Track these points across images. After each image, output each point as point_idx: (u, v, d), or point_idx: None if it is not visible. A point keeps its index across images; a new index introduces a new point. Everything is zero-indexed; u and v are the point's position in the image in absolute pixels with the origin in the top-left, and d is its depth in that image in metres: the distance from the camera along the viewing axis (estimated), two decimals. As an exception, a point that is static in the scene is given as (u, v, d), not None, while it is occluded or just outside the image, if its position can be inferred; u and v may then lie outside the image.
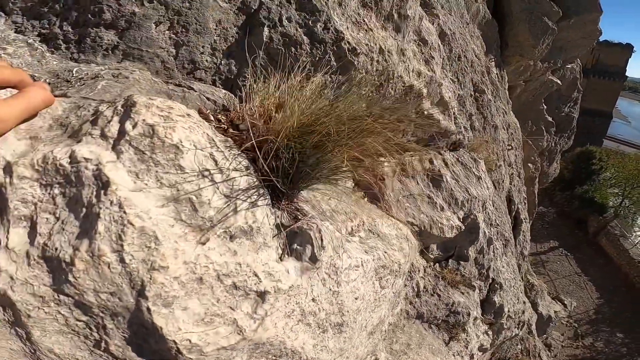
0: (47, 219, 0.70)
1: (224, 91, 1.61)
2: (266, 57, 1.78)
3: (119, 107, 0.83)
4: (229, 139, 0.95)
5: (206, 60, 1.68)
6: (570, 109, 10.87)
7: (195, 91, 1.43)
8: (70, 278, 0.67)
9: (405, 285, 3.07)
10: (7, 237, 0.68)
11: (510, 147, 5.95)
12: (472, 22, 5.43)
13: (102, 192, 0.70)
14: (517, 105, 7.69)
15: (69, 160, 0.73)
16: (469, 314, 3.77)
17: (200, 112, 1.11)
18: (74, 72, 1.19)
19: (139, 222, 0.70)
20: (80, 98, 0.94)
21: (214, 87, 1.65)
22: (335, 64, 1.95)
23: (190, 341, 0.72)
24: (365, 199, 1.94)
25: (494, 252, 4.31)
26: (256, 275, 0.80)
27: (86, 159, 0.73)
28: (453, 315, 3.64)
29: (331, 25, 1.93)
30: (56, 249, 0.68)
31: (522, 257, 7.13)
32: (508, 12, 6.60)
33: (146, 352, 0.74)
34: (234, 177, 0.83)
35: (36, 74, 1.17)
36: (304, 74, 1.57)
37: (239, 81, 1.76)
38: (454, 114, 3.39)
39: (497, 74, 6.15)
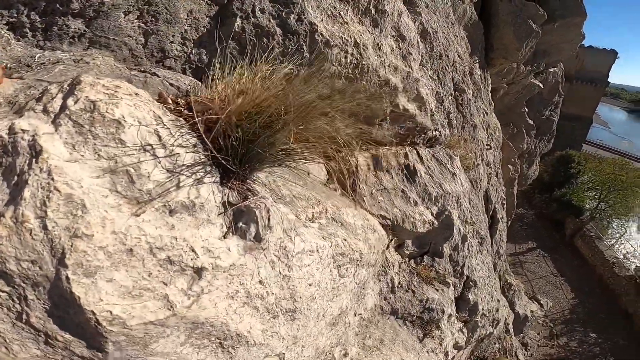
0: None
1: (190, 78, 1.61)
2: (238, 47, 1.78)
3: (65, 86, 0.82)
4: (182, 119, 0.93)
5: (176, 49, 1.68)
6: (551, 113, 11.10)
7: (159, 77, 1.43)
8: None
9: (380, 280, 3.07)
10: None
11: (489, 147, 6.04)
12: (458, 23, 5.48)
13: (34, 160, 0.69)
14: (499, 107, 7.81)
15: (7, 132, 0.72)
16: (443, 311, 3.81)
17: (160, 96, 1.09)
18: (36, 57, 1.20)
19: (66, 190, 0.69)
20: (34, 80, 0.94)
21: (180, 74, 1.64)
22: (308, 55, 1.95)
23: (111, 313, 0.69)
24: (338, 191, 1.94)
25: (469, 249, 4.35)
26: (193, 250, 0.78)
27: (23, 130, 0.72)
28: (427, 312, 3.67)
29: (305, 17, 1.93)
30: None
31: (498, 256, 7.25)
32: (494, 14, 6.69)
33: (68, 324, 0.71)
34: (179, 153, 0.82)
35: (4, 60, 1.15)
36: (273, 64, 1.57)
37: (209, 70, 1.79)
38: (430, 110, 3.41)
39: (480, 75, 6.23)
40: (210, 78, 1.53)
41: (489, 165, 6.18)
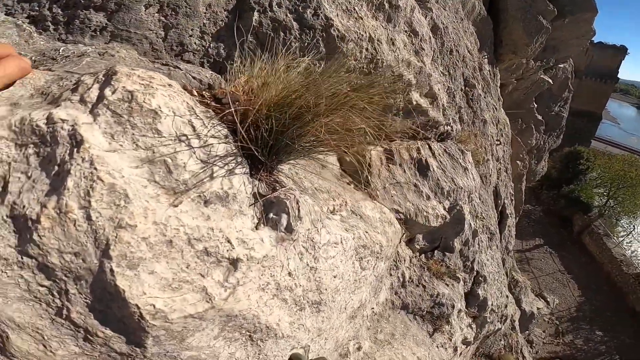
0: (19, 177, 0.69)
1: (210, 72, 1.65)
2: (255, 41, 1.78)
3: (100, 76, 0.83)
4: (211, 110, 0.94)
5: (195, 43, 1.69)
6: (560, 109, 11.00)
7: (182, 70, 1.45)
8: (35, 237, 0.65)
9: (391, 274, 3.08)
10: None
11: (498, 142, 6.01)
12: (467, 19, 5.44)
13: (75, 150, 0.69)
14: (508, 103, 7.75)
15: (45, 122, 0.72)
16: (453, 306, 3.81)
17: (184, 89, 1.09)
18: (60, 50, 1.20)
19: (109, 179, 0.69)
20: (64, 72, 0.95)
21: (201, 67, 1.64)
22: (324, 49, 1.95)
23: (154, 306, 0.70)
24: (352, 185, 1.94)
25: (479, 244, 4.34)
26: (229, 241, 0.79)
27: (62, 120, 0.72)
28: (437, 307, 3.67)
29: (321, 12, 1.93)
30: (24, 206, 0.67)
31: (506, 252, 7.23)
32: (503, 10, 6.62)
33: (110, 319, 0.72)
34: (212, 144, 0.82)
35: (22, 52, 1.17)
36: (291, 58, 1.58)
37: (227, 64, 1.77)
38: (442, 105, 3.40)
39: (489, 70, 6.19)
40: (232, 71, 1.54)
41: (499, 160, 6.15)
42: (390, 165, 2.50)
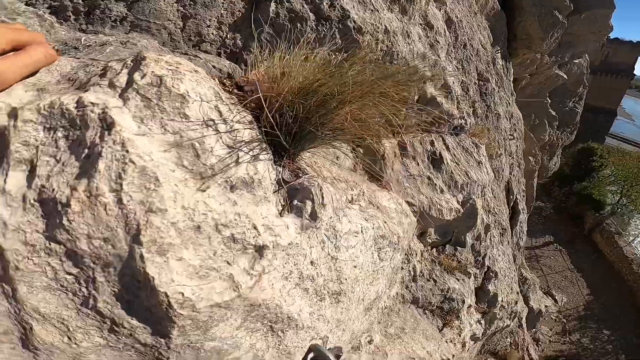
0: (47, 161, 0.69)
1: (229, 62, 1.61)
2: (272, 31, 1.78)
3: (129, 62, 0.83)
4: (234, 97, 0.94)
5: (212, 34, 1.70)
6: (574, 105, 10.81)
7: (201, 59, 1.44)
8: (65, 222, 0.65)
9: (402, 268, 3.07)
10: (4, 181, 0.66)
11: (512, 137, 5.93)
12: (480, 13, 5.37)
13: (107, 132, 0.69)
14: (521, 98, 7.63)
15: (75, 105, 0.72)
16: (463, 301, 3.79)
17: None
18: (82, 40, 1.21)
19: (140, 162, 0.69)
20: (89, 59, 0.95)
21: (219, 57, 1.65)
22: (340, 41, 1.94)
23: (183, 294, 0.70)
24: (366, 177, 1.94)
25: (490, 239, 4.31)
26: (255, 228, 0.78)
27: (93, 104, 0.72)
28: (448, 302, 3.66)
29: (337, 3, 1.92)
30: (53, 190, 0.67)
31: (517, 248, 7.17)
32: (518, 4, 6.51)
33: (136, 309, 0.72)
34: (238, 129, 0.82)
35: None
36: (309, 48, 1.57)
37: (244, 54, 1.77)
38: (457, 98, 3.37)
39: (502, 65, 6.11)
40: (250, 61, 1.53)
41: (512, 155, 6.08)
42: (403, 158, 2.48)
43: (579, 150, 20.94)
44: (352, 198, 1.15)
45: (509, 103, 6.13)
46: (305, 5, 1.85)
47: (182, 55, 1.45)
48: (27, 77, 0.78)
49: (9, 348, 0.66)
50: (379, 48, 2.23)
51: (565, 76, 8.81)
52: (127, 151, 0.67)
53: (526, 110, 8.23)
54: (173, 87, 0.78)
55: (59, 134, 0.71)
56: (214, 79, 1.01)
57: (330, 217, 0.93)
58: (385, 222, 1.21)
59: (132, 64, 0.81)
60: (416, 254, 3.15)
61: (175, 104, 0.77)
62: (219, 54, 1.76)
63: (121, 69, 0.80)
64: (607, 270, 17.61)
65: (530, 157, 9.22)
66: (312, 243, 0.89)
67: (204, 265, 0.73)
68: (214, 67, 1.41)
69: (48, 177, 0.67)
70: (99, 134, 0.68)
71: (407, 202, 2.37)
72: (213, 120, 0.78)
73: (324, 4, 1.90)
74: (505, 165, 5.54)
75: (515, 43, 6.71)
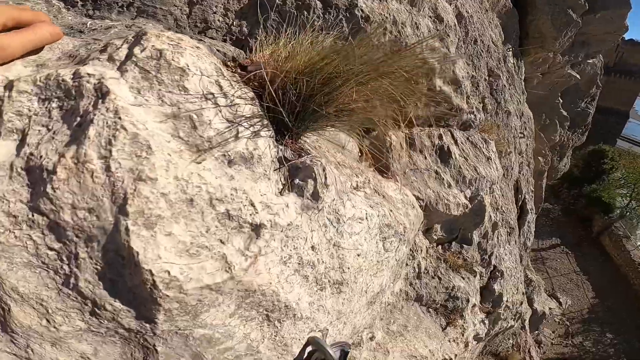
0: (39, 130, 0.67)
1: (233, 47, 1.62)
2: (278, 18, 1.75)
3: (130, 38, 0.81)
4: (237, 75, 0.90)
5: (218, 20, 1.67)
6: (586, 105, 10.64)
7: (206, 43, 1.43)
8: (49, 190, 0.62)
9: (407, 264, 3.02)
10: None
11: (522, 135, 5.85)
12: (492, 10, 5.30)
13: (100, 100, 0.67)
14: (532, 97, 7.51)
15: (72, 77, 0.70)
16: (467, 300, 3.74)
17: None
18: (88, 24, 1.21)
19: (132, 129, 0.66)
20: (92, 39, 0.95)
21: (224, 42, 1.63)
22: (347, 30, 1.91)
23: (169, 273, 0.65)
24: (372, 168, 1.89)
25: (497, 238, 4.24)
26: (253, 205, 0.74)
27: (89, 75, 0.71)
28: (452, 300, 3.61)
29: None
30: (41, 157, 0.64)
31: (524, 248, 7.09)
32: (530, 2, 6.39)
33: (120, 289, 0.68)
34: (239, 104, 0.79)
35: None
36: (314, 35, 1.54)
37: (250, 41, 1.76)
38: (466, 93, 3.31)
39: (514, 63, 6.02)
40: (256, 45, 1.51)
41: (521, 154, 5.99)
42: (410, 151, 2.43)
43: (590, 152, 20.66)
44: (357, 185, 1.10)
45: (520, 101, 6.03)
46: None
47: (186, 37, 1.42)
48: (30, 53, 0.78)
49: (-14, 331, 0.62)
50: (386, 38, 2.18)
51: (578, 76, 8.65)
52: (120, 118, 0.64)
53: (537, 110, 8.11)
54: (173, 60, 0.76)
55: (53, 104, 0.69)
56: (222, 65, 0.97)
57: (334, 200, 0.88)
58: (391, 211, 1.16)
59: (133, 39, 0.79)
60: (421, 251, 3.10)
61: (175, 76, 0.75)
62: (224, 41, 1.76)
63: (122, 44, 0.79)
64: (613, 274, 17.43)
65: (539, 158, 9.08)
66: (314, 226, 0.84)
67: (195, 242, 0.68)
68: (218, 50, 1.38)
69: (37, 145, 0.65)
70: (92, 103, 0.66)
71: (414, 196, 2.32)
72: (213, 94, 0.75)
73: None
74: (514, 164, 5.46)
75: (528, 41, 6.57)
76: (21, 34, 0.77)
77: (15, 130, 0.66)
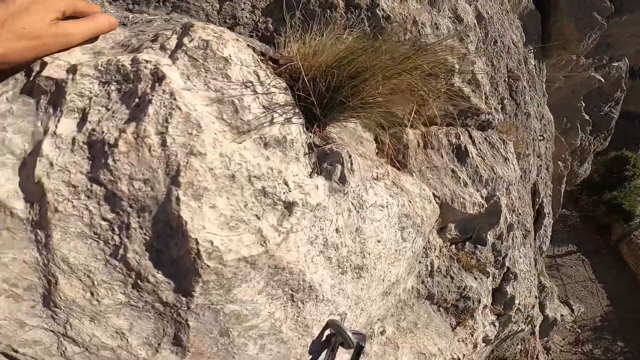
0: (99, 110, 0.75)
1: (261, 42, 1.69)
2: (302, 17, 1.84)
3: (178, 29, 0.90)
4: (270, 68, 0.97)
5: (246, 17, 1.76)
6: (610, 110, 10.39)
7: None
8: (110, 161, 0.70)
9: (420, 262, 3.06)
10: (56, 126, 0.72)
11: (541, 138, 5.79)
12: (513, 11, 5.27)
13: (157, 84, 0.76)
14: (553, 100, 7.40)
15: (130, 62, 0.79)
16: (479, 301, 3.75)
17: None
18: (130, 17, 1.30)
19: (185, 109, 0.75)
20: (138, 30, 1.04)
21: (252, 38, 1.73)
22: (368, 29, 2.00)
23: (212, 243, 0.72)
24: (390, 163, 1.94)
25: (513, 240, 4.23)
26: (286, 183, 0.81)
27: (146, 61, 0.80)
28: (463, 300, 3.62)
29: None
30: (102, 132, 0.73)
31: (539, 253, 7.02)
32: (553, 3, 6.28)
33: (164, 261, 0.74)
34: (274, 92, 0.88)
35: None
36: (338, 33, 1.60)
37: (276, 38, 1.82)
38: (485, 93, 3.34)
39: (535, 65, 5.96)
40: (282, 41, 1.57)
41: (540, 157, 5.93)
42: (427, 149, 2.47)
43: (612, 158, 20.13)
44: (377, 176, 1.16)
45: (540, 103, 5.97)
46: None
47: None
48: (87, 41, 0.86)
49: (28, 307, 0.68)
50: (406, 37, 2.23)
51: (602, 79, 8.48)
52: (175, 99, 0.74)
53: (558, 113, 7.98)
54: (217, 50, 0.85)
55: (112, 87, 0.78)
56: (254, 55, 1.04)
57: (358, 185, 0.94)
58: (410, 202, 1.21)
59: (181, 30, 0.88)
60: (435, 249, 3.13)
61: (219, 65, 0.84)
62: (251, 37, 1.84)
63: (171, 35, 0.88)
64: (630, 283, 17.03)
65: (559, 162, 8.94)
66: (339, 210, 0.90)
67: (235, 216, 0.75)
68: (248, 45, 1.45)
69: (98, 122, 0.74)
70: (149, 86, 0.75)
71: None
72: (251, 82, 0.83)
73: None
74: (532, 166, 5.42)
75: (550, 43, 6.49)
76: (83, 23, 0.87)
77: (76, 110, 0.75)
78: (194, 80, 0.80)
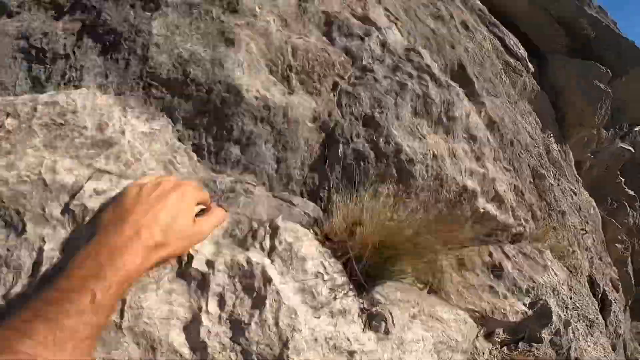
0: (231, 296, 1.20)
1: (312, 204, 1.96)
2: (341, 170, 2.12)
3: (267, 228, 1.37)
4: (327, 250, 1.48)
5: (297, 174, 2.02)
6: (651, 176, 9.89)
7: (296, 206, 1.80)
8: (245, 333, 1.13)
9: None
10: (206, 305, 1.16)
11: (584, 232, 5.66)
12: (521, 99, 5.41)
13: (267, 284, 1.22)
14: (588, 182, 7.28)
15: (246, 263, 1.26)
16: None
17: (301, 225, 1.59)
18: (217, 183, 1.62)
19: (287, 302, 1.20)
20: (234, 213, 1.46)
21: (306, 200, 1.99)
22: (396, 175, 2.28)
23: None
24: (426, 290, 2.14)
25: (574, 332, 4.06)
26: (348, 339, 1.25)
27: (257, 263, 1.27)
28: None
29: (391, 139, 2.28)
30: (238, 314, 1.17)
31: (616, 336, 6.37)
32: (555, 83, 6.49)
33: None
34: (335, 277, 1.35)
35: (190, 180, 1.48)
36: (372, 188, 1.97)
37: (320, 192, 2.09)
38: (511, 207, 3.51)
39: (558, 150, 5.98)
40: (328, 207, 1.89)
41: (588, 249, 5.76)
42: (462, 271, 2.71)
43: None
44: (414, 314, 1.57)
45: (574, 193, 5.95)
46: (366, 145, 2.21)
47: (284, 202, 1.80)
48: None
49: None
50: (429, 174, 2.49)
51: (631, 148, 8.23)
52: (280, 296, 1.20)
53: (599, 193, 7.73)
54: (298, 251, 1.34)
55: (236, 280, 1.23)
56: (313, 233, 1.55)
57: (398, 331, 1.36)
58: (443, 331, 1.59)
59: (270, 230, 1.36)
60: (483, 353, 3.16)
61: (299, 263, 1.32)
62: (301, 193, 2.06)
63: (264, 235, 1.35)
64: None
65: (617, 245, 8.43)
66: (385, 349, 1.31)
67: (318, 364, 1.18)
68: (304, 213, 1.76)
69: (233, 306, 1.18)
70: (262, 284, 1.22)
71: (469, 309, 2.55)
72: (321, 273, 1.32)
73: (381, 141, 2.25)
74: (582, 260, 5.24)
75: (566, 122, 6.56)
76: (209, 220, 1.18)
77: (216, 294, 1.18)
78: (286, 277, 1.26)
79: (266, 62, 2.09)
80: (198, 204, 1.18)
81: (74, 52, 1.80)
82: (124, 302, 1.04)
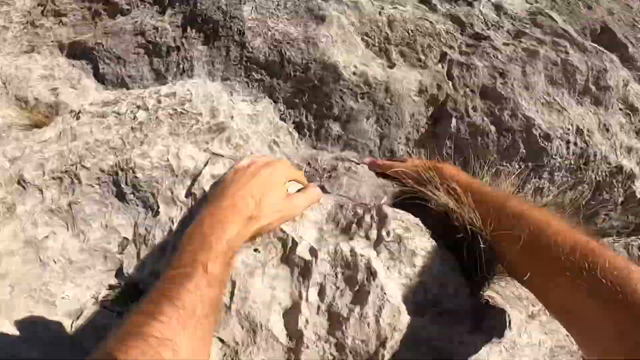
0: (331, 287, 1.17)
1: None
2: (453, 146, 1.92)
3: (374, 215, 1.28)
4: (441, 245, 1.30)
5: (401, 149, 1.91)
6: None
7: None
8: (342, 327, 1.10)
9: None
10: (307, 294, 1.16)
11: None
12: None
13: (371, 278, 1.16)
14: None
15: (349, 253, 1.21)
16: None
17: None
18: (319, 160, 1.59)
19: (391, 300, 1.13)
20: (337, 195, 1.39)
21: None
22: (524, 151, 1.96)
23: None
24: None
25: None
26: (452, 342, 1.17)
27: (361, 255, 1.20)
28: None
29: (519, 112, 1.96)
30: (338, 307, 1.13)
31: None
32: None
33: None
34: (448, 275, 1.23)
35: (295, 160, 1.60)
36: (492, 166, 1.69)
37: None
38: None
39: None
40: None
41: None
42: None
43: None
44: (532, 313, 1.40)
45: None
46: (485, 119, 1.96)
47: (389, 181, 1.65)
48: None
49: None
50: (570, 152, 2.08)
51: None
52: (385, 293, 1.13)
53: None
54: (407, 244, 1.23)
55: (338, 270, 1.19)
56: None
57: (512, 334, 1.23)
58: (568, 335, 1.40)
59: (377, 219, 1.27)
60: None
61: (408, 256, 1.22)
62: None
63: (371, 223, 1.26)
64: None
65: None
66: (495, 351, 1.21)
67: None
68: (426, 233, 1.56)
69: (333, 298, 1.15)
70: (365, 277, 1.16)
71: None
72: (431, 267, 1.21)
73: (505, 114, 1.97)
74: None
75: None
76: (302, 196, 1.19)
77: (317, 284, 1.16)
78: (392, 271, 1.19)
79: (361, 36, 1.97)
80: (291, 180, 1.22)
81: (182, 44, 1.92)
82: (234, 284, 1.11)
